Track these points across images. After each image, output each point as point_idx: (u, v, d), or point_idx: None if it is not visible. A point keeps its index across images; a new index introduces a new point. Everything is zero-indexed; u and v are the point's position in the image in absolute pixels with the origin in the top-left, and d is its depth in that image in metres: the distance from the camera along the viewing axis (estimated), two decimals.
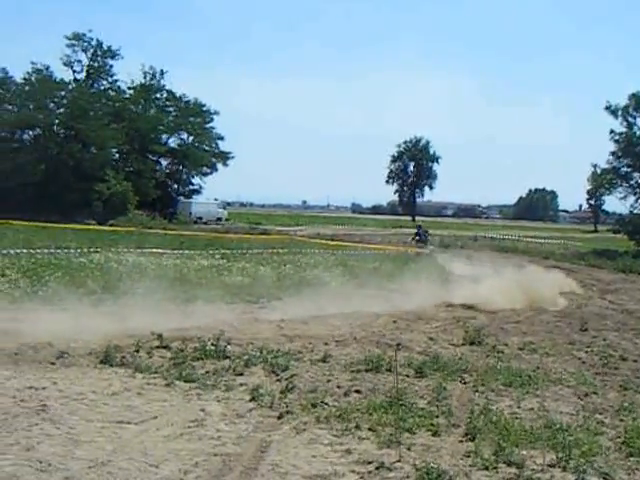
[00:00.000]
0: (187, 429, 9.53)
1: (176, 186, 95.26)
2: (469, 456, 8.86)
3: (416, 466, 8.40)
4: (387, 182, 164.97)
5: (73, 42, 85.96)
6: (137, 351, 13.80)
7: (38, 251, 29.76)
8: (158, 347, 14.17)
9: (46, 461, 8.24)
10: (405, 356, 14.06)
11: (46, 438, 9.01)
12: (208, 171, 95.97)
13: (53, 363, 12.87)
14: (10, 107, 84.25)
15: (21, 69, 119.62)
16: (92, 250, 31.39)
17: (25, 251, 29.02)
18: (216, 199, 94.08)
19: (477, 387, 12.28)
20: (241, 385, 11.72)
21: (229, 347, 14.12)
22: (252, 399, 10.92)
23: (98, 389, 11.23)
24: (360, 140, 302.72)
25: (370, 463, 8.52)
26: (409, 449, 8.97)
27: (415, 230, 55.01)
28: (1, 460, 8.23)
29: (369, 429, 9.67)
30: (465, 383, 12.58)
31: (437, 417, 10.32)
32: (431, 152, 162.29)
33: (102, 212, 68.72)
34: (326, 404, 10.75)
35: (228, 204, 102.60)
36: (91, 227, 56.12)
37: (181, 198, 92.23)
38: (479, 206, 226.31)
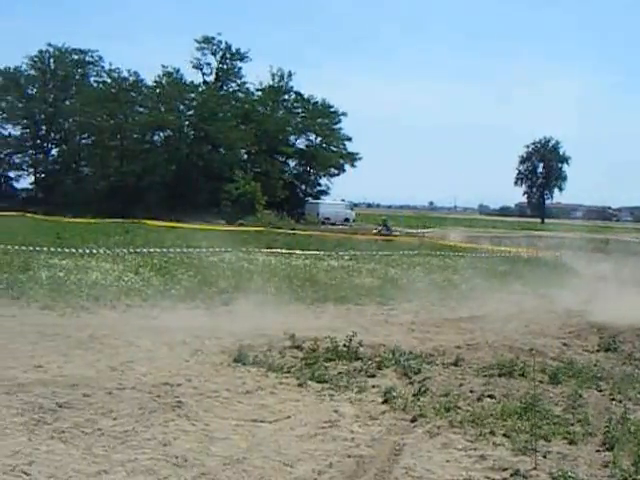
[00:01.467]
0: (321, 429, 9.53)
1: (304, 187, 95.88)
2: (607, 466, 8.57)
3: (552, 475, 8.20)
4: (515, 183, 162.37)
5: (203, 45, 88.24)
6: (269, 350, 13.88)
7: (170, 250, 30.33)
8: (290, 347, 14.21)
9: (182, 457, 8.35)
10: (538, 361, 13.71)
11: (182, 434, 9.14)
12: (336, 172, 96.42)
13: (187, 360, 13.05)
14: (142, 109, 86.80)
15: (152, 72, 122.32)
16: (223, 249, 31.82)
17: (158, 250, 29.61)
18: (343, 200, 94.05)
19: (614, 395, 11.88)
20: (373, 387, 11.64)
21: (361, 348, 14.09)
22: (385, 401, 10.84)
23: (232, 387, 11.33)
24: (488, 140, 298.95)
25: (505, 470, 8.34)
26: (545, 457, 8.76)
27: (381, 225, 56.52)
28: (139, 454, 8.38)
29: (503, 435, 9.47)
30: (601, 391, 12.20)
31: (573, 425, 10.03)
32: (561, 152, 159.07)
33: (231, 212, 69.58)
34: (459, 408, 10.59)
35: (355, 205, 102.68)
36: (220, 227, 56.82)
37: (309, 199, 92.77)
38: (609, 208, 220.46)
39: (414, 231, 62.81)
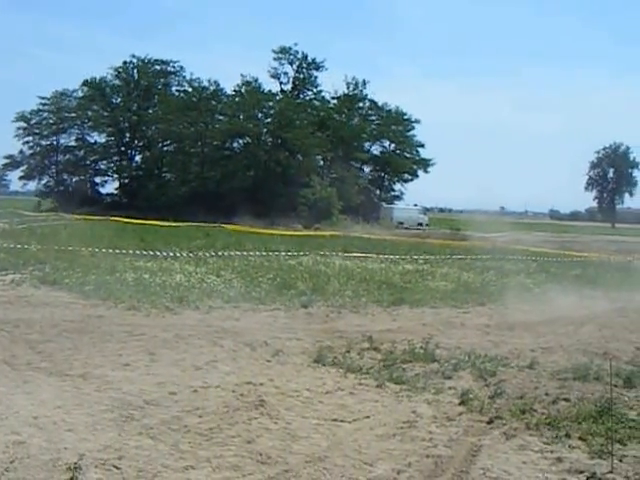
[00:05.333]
0: (399, 430, 9.51)
1: (378, 192, 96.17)
2: None
3: (629, 478, 8.08)
4: (586, 189, 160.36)
5: (280, 55, 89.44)
6: (348, 352, 13.91)
7: (250, 253, 30.49)
8: (368, 348, 14.26)
9: (266, 454, 8.40)
10: (612, 365, 13.54)
11: (265, 432, 9.20)
12: (409, 178, 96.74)
13: (269, 361, 13.16)
14: (222, 117, 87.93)
15: (231, 82, 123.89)
16: (301, 253, 31.92)
17: (238, 253, 29.79)
18: (415, 205, 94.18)
19: None
20: (450, 389, 11.58)
21: (437, 351, 14.07)
22: (461, 403, 10.77)
23: (312, 387, 11.39)
24: (559, 145, 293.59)
25: (581, 472, 8.22)
26: (621, 460, 8.59)
27: None
28: (224, 451, 8.47)
29: (579, 438, 9.31)
30: None
31: None
32: (631, 158, 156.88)
33: (308, 216, 69.90)
34: (535, 411, 10.46)
35: (427, 209, 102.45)
36: (298, 231, 57.09)
37: (383, 204, 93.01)
38: None
39: (487, 235, 62.33)
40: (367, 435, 9.27)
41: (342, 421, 9.78)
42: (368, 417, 10.01)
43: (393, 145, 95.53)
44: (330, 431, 9.36)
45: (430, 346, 14.18)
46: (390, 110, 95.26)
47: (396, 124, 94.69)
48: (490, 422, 9.93)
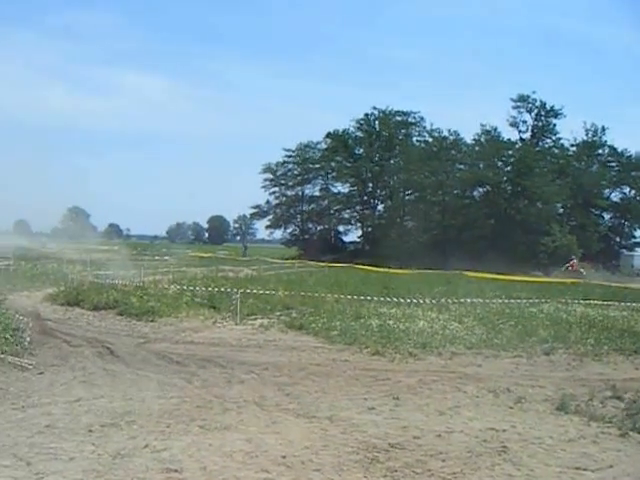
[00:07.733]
0: None
1: (618, 239, 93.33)
2: None
3: None
4: None
5: (518, 104, 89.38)
6: (591, 400, 13.58)
7: (493, 301, 30.17)
8: (611, 397, 13.89)
9: None
10: None
11: (508, 478, 9.14)
12: None
13: (512, 407, 13.03)
14: (462, 166, 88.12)
15: (471, 131, 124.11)
16: (542, 300, 31.30)
17: (480, 300, 29.53)
18: None
19: None
20: None
21: None
22: None
23: (555, 434, 11.18)
24: None
25: None
26: None
27: None
28: None
29: None
30: None
31: None
32: None
33: (547, 264, 68.84)
34: None
35: None
36: (538, 279, 56.09)
37: (624, 251, 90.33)
38: None
39: None
40: None
41: (585, 469, 9.56)
42: (611, 466, 9.75)
43: (633, 192, 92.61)
44: (573, 479, 9.22)
45: None
46: (630, 156, 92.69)
47: (637, 170, 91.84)
48: None
